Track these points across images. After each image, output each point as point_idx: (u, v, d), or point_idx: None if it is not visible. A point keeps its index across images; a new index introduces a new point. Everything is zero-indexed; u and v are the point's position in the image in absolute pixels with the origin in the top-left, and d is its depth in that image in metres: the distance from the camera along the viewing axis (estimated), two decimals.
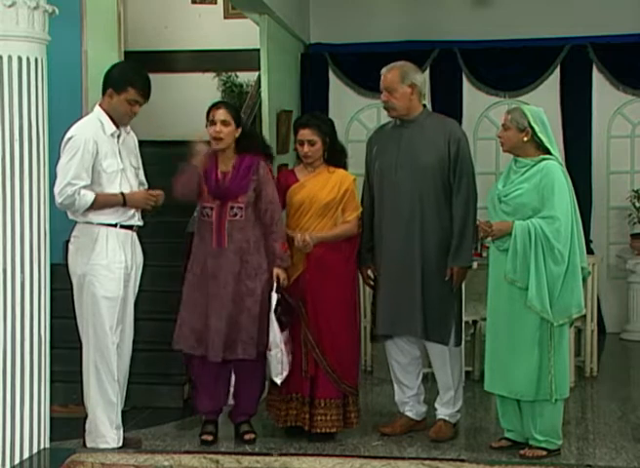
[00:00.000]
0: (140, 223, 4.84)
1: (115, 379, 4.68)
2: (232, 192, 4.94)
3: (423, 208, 5.03)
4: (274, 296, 4.89)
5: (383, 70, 5.12)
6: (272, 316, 4.87)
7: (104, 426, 4.67)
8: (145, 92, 4.74)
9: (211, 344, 4.90)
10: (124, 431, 4.78)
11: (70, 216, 4.72)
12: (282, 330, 4.90)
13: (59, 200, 4.53)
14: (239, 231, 4.94)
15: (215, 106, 5.00)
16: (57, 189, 4.53)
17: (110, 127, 4.70)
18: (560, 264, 4.67)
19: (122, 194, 4.68)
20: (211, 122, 4.96)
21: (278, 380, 4.93)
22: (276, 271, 4.94)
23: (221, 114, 4.93)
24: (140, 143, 4.99)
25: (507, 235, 4.72)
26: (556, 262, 4.66)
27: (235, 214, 4.95)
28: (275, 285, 4.91)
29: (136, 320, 4.87)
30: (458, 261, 5.01)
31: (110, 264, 4.64)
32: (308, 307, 5.02)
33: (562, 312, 4.70)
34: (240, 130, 4.98)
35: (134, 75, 4.73)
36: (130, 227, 4.76)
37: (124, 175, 4.74)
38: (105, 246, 4.65)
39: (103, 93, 4.73)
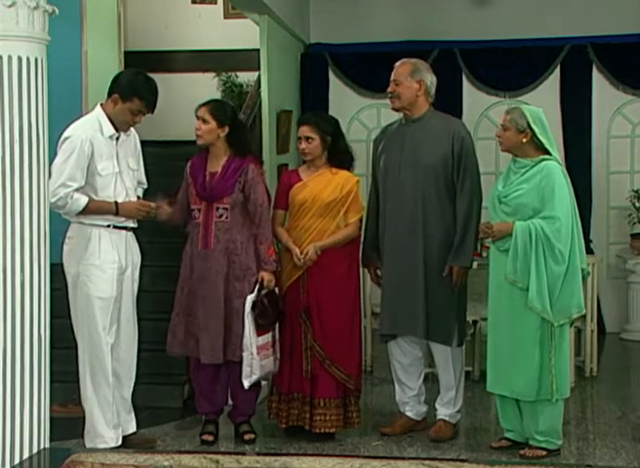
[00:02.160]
0: (134, 225, 4.81)
1: (110, 379, 4.67)
2: (217, 193, 4.93)
3: (426, 207, 5.03)
4: (249, 299, 4.87)
5: (397, 63, 5.15)
6: (247, 318, 4.85)
7: (102, 426, 4.69)
8: (151, 105, 4.72)
9: (210, 347, 4.89)
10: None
11: (63, 216, 4.71)
12: (260, 333, 4.88)
13: (51, 200, 4.44)
14: (225, 232, 4.93)
15: (200, 104, 5.02)
16: (49, 188, 4.44)
17: (109, 129, 4.68)
18: (561, 264, 4.66)
19: (115, 203, 4.66)
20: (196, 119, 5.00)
21: (246, 383, 4.89)
22: (261, 274, 4.93)
23: (201, 112, 4.96)
24: (141, 143, 4.98)
25: (508, 236, 4.72)
26: (557, 262, 4.66)
27: (221, 216, 4.93)
28: (257, 287, 4.90)
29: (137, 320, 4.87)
30: (457, 261, 5.01)
31: (103, 264, 4.64)
32: (312, 311, 5.01)
33: (562, 312, 4.70)
34: (226, 129, 4.94)
35: (142, 87, 4.69)
36: (123, 228, 4.75)
37: (120, 178, 4.71)
38: (98, 246, 4.65)
39: (109, 95, 4.71)
